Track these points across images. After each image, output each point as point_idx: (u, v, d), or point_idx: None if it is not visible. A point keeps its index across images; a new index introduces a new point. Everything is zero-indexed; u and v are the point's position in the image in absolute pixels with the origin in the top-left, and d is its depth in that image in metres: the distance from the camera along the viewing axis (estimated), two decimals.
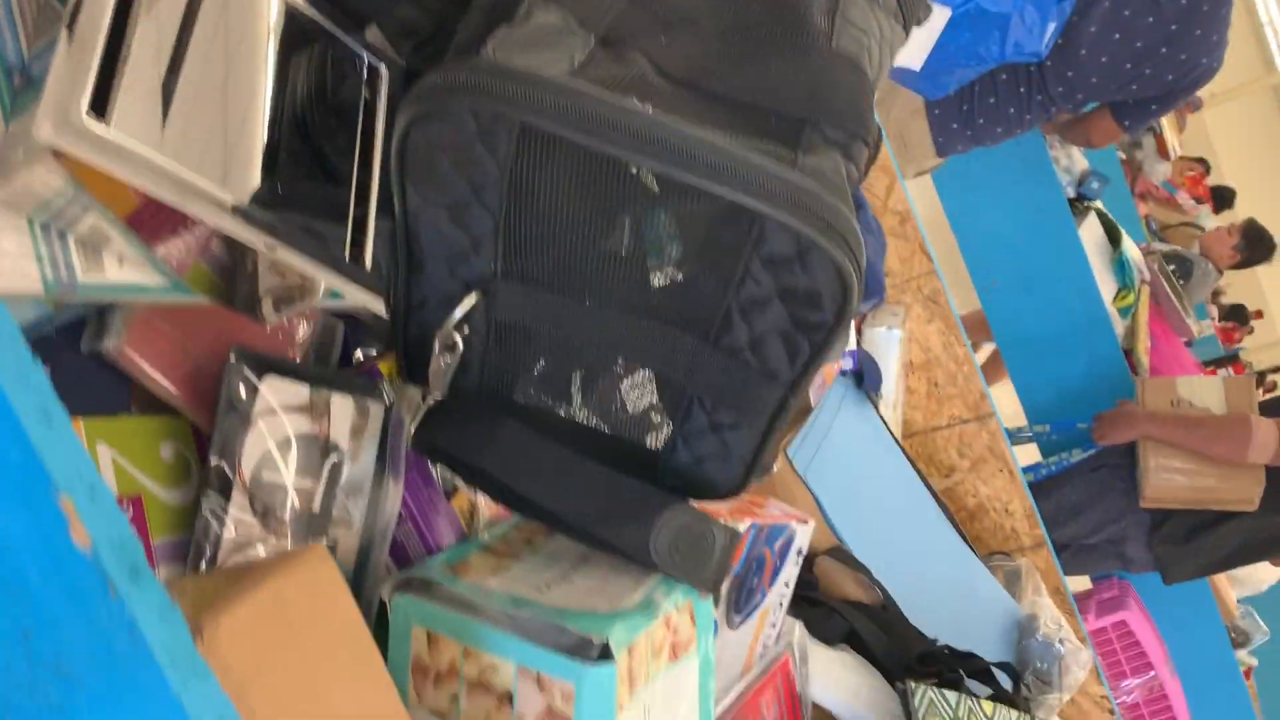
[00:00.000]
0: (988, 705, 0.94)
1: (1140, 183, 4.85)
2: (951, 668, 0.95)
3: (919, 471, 1.22)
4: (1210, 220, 5.24)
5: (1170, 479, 2.37)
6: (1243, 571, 3.01)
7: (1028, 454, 2.75)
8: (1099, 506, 2.50)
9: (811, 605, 0.95)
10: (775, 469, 1.00)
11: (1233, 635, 2.91)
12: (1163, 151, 4.92)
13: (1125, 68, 2.04)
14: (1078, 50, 2.03)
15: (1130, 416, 2.42)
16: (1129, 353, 2.74)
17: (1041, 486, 2.57)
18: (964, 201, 2.63)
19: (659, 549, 0.53)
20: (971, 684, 0.99)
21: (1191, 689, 2.76)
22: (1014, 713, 0.99)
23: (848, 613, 0.95)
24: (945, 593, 1.08)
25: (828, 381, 1.08)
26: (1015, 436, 2.72)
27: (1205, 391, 2.39)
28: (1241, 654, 3.02)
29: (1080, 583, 2.81)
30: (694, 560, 0.54)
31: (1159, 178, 4.98)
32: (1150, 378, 2.57)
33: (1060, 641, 1.10)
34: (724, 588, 0.69)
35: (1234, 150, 6.96)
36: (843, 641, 0.94)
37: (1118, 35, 2.01)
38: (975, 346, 2.92)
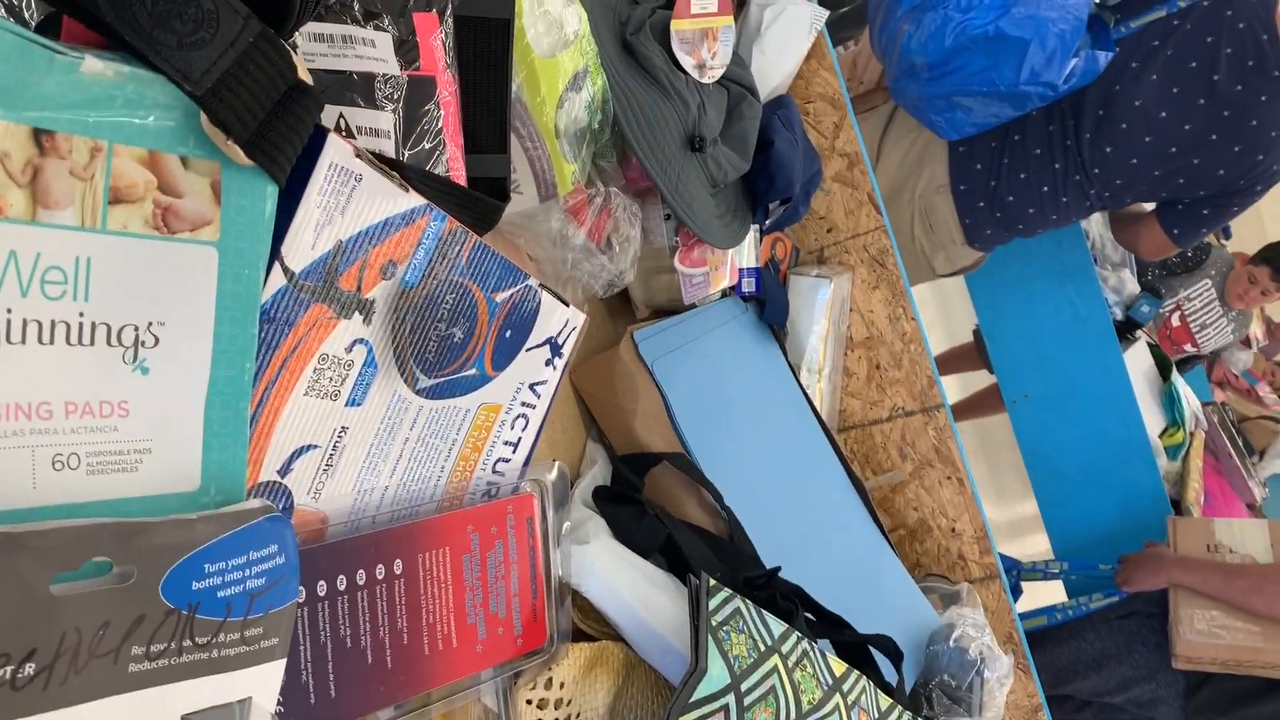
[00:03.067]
0: (838, 664, 0.69)
1: (1217, 369, 4.54)
2: (788, 599, 0.70)
3: (837, 449, 0.99)
4: None
5: (1206, 636, 2.04)
6: None
7: (1044, 593, 2.42)
8: (1126, 661, 2.16)
9: (624, 503, 0.73)
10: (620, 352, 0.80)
11: None
12: (1245, 340, 4.61)
13: (1170, 151, 1.86)
14: (1118, 123, 1.87)
15: (1159, 560, 2.11)
16: (1176, 503, 2.44)
17: (1059, 631, 2.24)
18: (997, 306, 2.43)
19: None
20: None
21: None
22: (885, 698, 0.73)
23: (670, 522, 0.72)
24: (831, 567, 0.84)
25: (712, 286, 0.88)
26: (1029, 572, 2.40)
27: (1248, 536, 2.08)
28: None
29: None
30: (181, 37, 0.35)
31: (1239, 366, 4.66)
32: (1183, 517, 2.25)
33: (979, 653, 0.84)
34: (392, 306, 0.48)
35: None
36: (658, 554, 0.71)
37: (1164, 114, 1.84)
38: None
